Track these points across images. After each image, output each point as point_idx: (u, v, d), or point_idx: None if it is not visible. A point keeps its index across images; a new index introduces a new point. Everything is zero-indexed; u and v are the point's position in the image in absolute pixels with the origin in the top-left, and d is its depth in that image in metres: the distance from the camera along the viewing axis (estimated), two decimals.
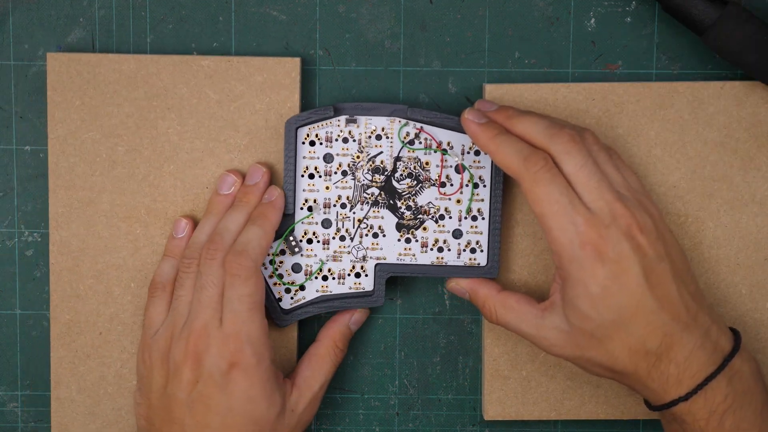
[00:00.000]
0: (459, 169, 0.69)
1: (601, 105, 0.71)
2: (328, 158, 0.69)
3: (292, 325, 0.71)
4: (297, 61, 0.70)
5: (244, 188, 0.69)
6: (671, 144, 0.71)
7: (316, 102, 0.72)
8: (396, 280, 0.73)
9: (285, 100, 0.70)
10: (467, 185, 0.69)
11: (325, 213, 0.69)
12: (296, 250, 0.69)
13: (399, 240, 0.70)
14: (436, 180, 0.69)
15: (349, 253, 0.70)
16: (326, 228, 0.70)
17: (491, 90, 0.71)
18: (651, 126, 0.71)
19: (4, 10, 0.71)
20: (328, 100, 0.72)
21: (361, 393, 0.75)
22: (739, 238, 0.72)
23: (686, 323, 0.62)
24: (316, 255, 0.70)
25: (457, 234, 0.70)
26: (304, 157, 0.69)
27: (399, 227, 0.70)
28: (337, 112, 0.69)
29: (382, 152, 0.69)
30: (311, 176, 0.69)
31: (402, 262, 0.70)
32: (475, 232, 0.70)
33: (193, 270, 0.67)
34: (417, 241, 0.70)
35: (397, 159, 0.69)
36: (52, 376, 0.72)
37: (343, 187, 0.69)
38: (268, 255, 0.69)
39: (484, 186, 0.70)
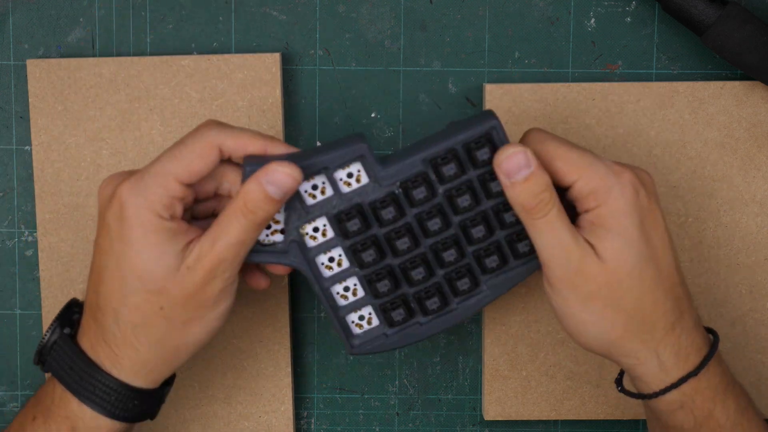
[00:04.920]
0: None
1: (601, 105, 0.71)
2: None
3: (283, 290, 0.70)
4: (277, 56, 0.70)
5: None
6: (671, 144, 0.71)
7: (317, 102, 0.72)
8: None
9: (267, 96, 0.70)
10: None
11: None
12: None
13: None
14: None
15: None
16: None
17: (491, 90, 0.71)
18: (651, 126, 0.71)
19: (4, 10, 0.71)
20: (328, 100, 0.72)
21: (361, 393, 0.75)
22: (739, 238, 0.72)
23: (687, 299, 0.62)
24: None
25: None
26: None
27: None
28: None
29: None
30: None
31: None
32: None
33: None
34: None
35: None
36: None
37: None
38: None
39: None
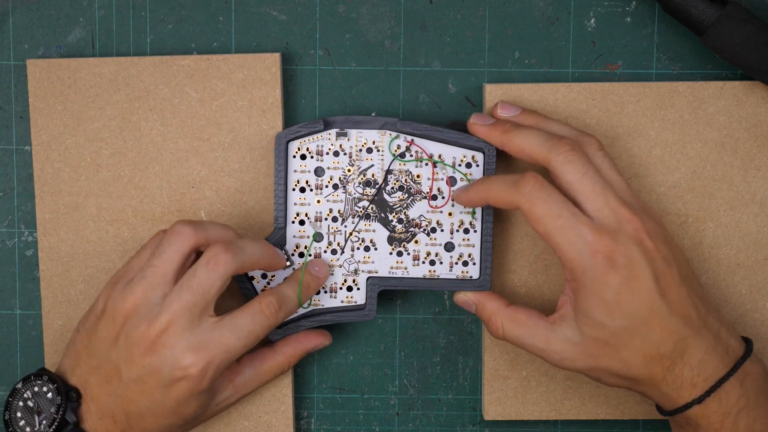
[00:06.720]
0: (448, 182, 0.69)
1: (601, 105, 0.71)
2: (319, 172, 0.69)
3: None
4: (277, 56, 0.70)
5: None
6: (671, 144, 0.71)
7: (317, 102, 0.72)
8: None
9: (266, 96, 0.70)
10: None
11: (316, 227, 0.69)
12: (288, 264, 0.69)
13: (391, 253, 0.69)
14: (427, 193, 0.69)
15: (341, 266, 0.69)
16: (318, 242, 0.69)
17: (491, 90, 0.71)
18: (651, 126, 0.71)
19: (4, 10, 0.71)
20: (328, 100, 0.72)
21: (361, 393, 0.75)
22: (739, 238, 0.72)
23: (698, 326, 0.62)
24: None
25: (449, 247, 0.69)
26: (294, 171, 0.69)
27: (391, 240, 0.69)
28: (327, 126, 0.68)
29: (372, 165, 0.69)
30: (302, 190, 0.69)
31: (394, 275, 0.70)
32: (467, 245, 0.70)
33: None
34: (409, 254, 0.69)
35: (388, 172, 0.69)
36: None
37: (335, 201, 0.69)
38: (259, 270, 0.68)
39: None
